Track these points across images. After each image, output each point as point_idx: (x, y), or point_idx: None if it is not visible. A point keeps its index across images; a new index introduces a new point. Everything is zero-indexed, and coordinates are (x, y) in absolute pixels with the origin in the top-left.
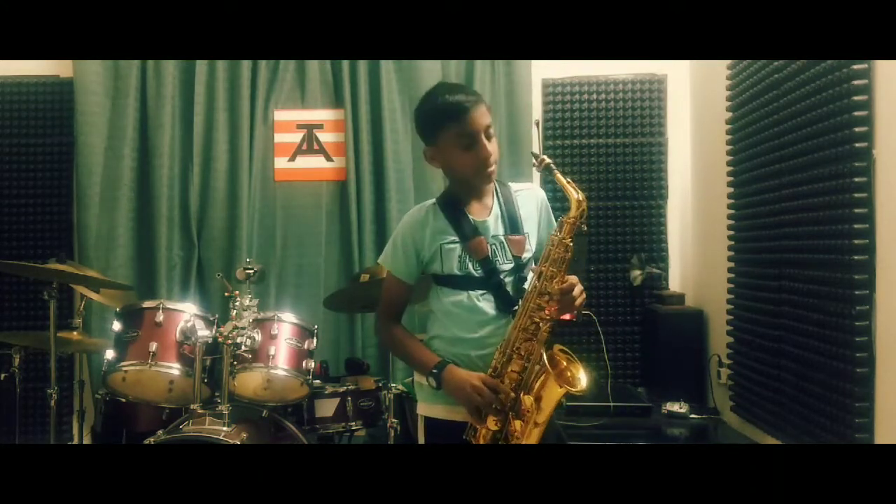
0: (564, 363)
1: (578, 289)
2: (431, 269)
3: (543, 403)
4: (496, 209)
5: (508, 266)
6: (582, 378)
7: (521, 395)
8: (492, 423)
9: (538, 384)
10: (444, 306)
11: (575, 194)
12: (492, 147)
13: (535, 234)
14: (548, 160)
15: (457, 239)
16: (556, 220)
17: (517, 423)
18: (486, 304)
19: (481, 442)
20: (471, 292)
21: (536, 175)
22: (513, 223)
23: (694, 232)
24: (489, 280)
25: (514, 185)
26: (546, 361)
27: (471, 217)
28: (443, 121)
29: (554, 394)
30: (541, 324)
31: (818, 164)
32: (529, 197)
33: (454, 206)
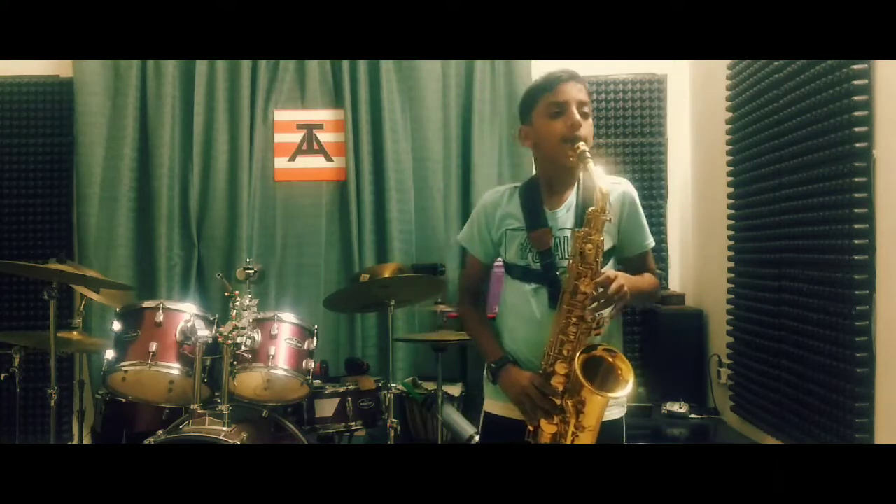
0: (609, 360)
1: (616, 285)
2: (501, 253)
3: (587, 408)
4: (571, 200)
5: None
6: (628, 381)
7: (565, 399)
8: (546, 426)
9: (579, 389)
10: (505, 296)
11: (599, 184)
12: (584, 123)
13: (611, 232)
14: (583, 147)
15: (523, 226)
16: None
17: (565, 427)
18: (539, 300)
19: (542, 443)
20: (526, 285)
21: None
22: (584, 218)
23: (694, 232)
24: (546, 274)
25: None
26: (577, 367)
27: (544, 207)
28: (537, 93)
29: (595, 399)
30: (579, 325)
31: (818, 164)
32: (614, 191)
33: (532, 193)
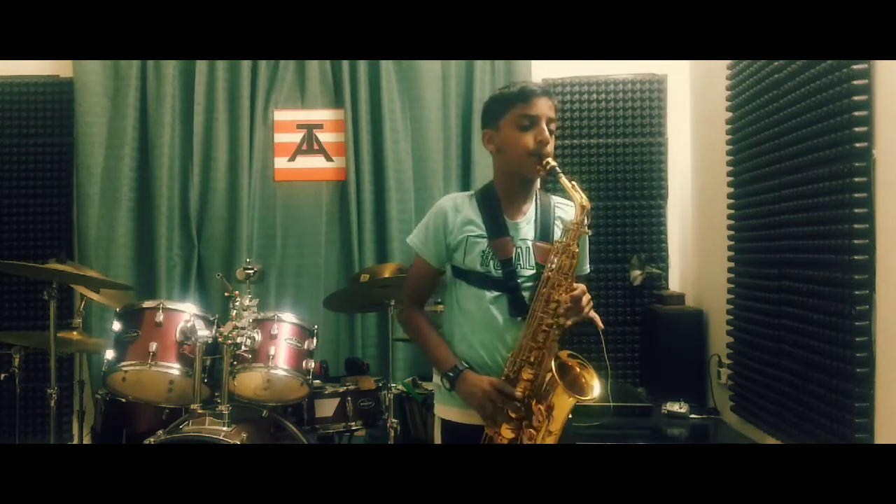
0: (577, 369)
1: (586, 298)
2: (454, 259)
3: (555, 412)
4: (531, 214)
5: (529, 272)
6: (594, 386)
7: (533, 403)
8: (506, 431)
9: (549, 393)
10: (457, 302)
11: (579, 198)
12: (551, 140)
13: None
14: (553, 163)
15: (484, 234)
16: (565, 229)
17: (530, 432)
18: (499, 307)
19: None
20: (486, 292)
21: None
22: (544, 231)
23: (694, 232)
24: (507, 283)
25: (556, 198)
26: (554, 371)
27: (504, 216)
28: (509, 101)
29: (565, 403)
30: (549, 332)
31: (818, 164)
32: (569, 212)
33: (491, 201)
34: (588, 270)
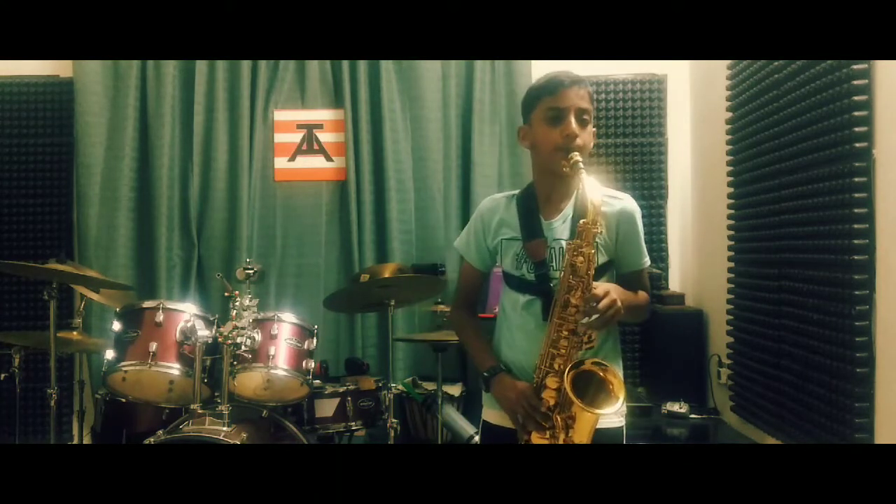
0: (600, 374)
1: (607, 300)
2: (497, 261)
3: (578, 424)
4: (568, 211)
5: (561, 274)
6: (619, 397)
7: (555, 414)
8: (536, 439)
9: (568, 404)
10: (503, 305)
11: (591, 196)
12: (581, 132)
13: (608, 247)
14: (577, 157)
15: (518, 236)
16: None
17: (555, 442)
18: (531, 311)
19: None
20: (520, 296)
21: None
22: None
23: (694, 232)
24: (539, 286)
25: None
26: (566, 382)
27: (540, 216)
28: (538, 95)
29: (585, 416)
30: (570, 339)
31: (818, 164)
32: (615, 206)
33: (528, 202)
34: (644, 265)
